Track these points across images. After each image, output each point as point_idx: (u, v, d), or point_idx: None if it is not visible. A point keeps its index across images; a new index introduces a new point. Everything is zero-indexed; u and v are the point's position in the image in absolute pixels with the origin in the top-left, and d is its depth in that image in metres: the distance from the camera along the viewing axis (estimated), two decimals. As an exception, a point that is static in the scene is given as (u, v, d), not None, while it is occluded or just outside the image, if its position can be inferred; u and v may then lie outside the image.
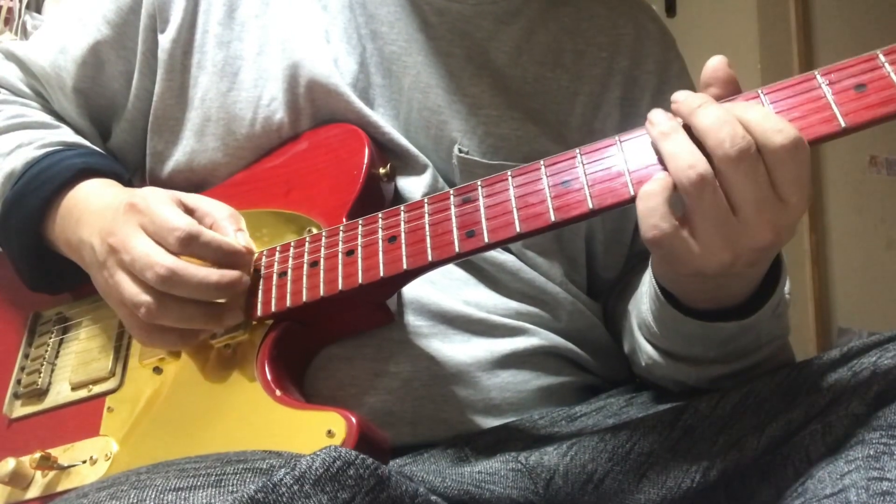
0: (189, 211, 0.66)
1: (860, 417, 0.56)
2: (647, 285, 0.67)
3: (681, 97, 0.55)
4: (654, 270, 0.63)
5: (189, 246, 0.62)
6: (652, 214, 0.53)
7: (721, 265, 0.53)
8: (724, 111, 0.52)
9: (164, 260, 0.61)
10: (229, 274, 0.63)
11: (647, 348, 0.69)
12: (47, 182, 0.72)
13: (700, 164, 0.51)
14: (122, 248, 0.63)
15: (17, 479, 0.68)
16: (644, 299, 0.67)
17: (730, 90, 0.56)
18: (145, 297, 0.62)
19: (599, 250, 0.79)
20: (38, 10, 1.60)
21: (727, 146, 0.50)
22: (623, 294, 0.79)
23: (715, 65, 0.56)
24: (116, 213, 0.65)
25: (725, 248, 0.53)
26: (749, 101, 0.54)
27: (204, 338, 0.66)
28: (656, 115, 0.55)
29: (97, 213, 0.68)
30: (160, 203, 0.64)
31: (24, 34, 1.55)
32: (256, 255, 0.69)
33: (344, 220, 0.67)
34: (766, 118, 0.51)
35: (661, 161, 0.54)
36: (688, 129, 0.54)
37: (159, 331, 0.64)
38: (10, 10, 1.57)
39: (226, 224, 0.66)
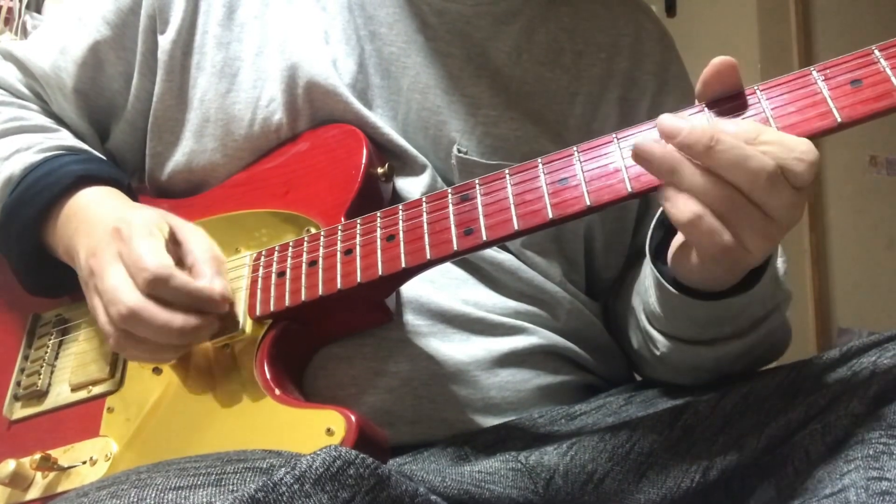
0: (177, 243, 0.66)
1: (860, 417, 0.56)
2: (650, 277, 0.66)
3: (689, 136, 0.52)
4: (680, 264, 0.61)
5: (156, 288, 0.61)
6: (710, 233, 0.53)
7: (764, 255, 0.56)
8: (738, 145, 0.51)
9: (127, 299, 0.60)
10: (193, 321, 0.62)
11: (660, 338, 0.68)
12: (46, 189, 0.72)
13: (732, 199, 0.51)
14: (98, 273, 0.63)
15: (18, 481, 0.68)
16: (650, 290, 0.67)
17: (730, 92, 0.56)
18: (110, 329, 0.62)
19: (599, 250, 0.79)
20: (38, 10, 1.60)
21: (763, 180, 0.50)
22: (621, 292, 0.79)
23: (721, 69, 0.55)
24: (104, 234, 0.65)
25: (768, 243, 0.54)
26: (755, 125, 0.53)
27: (201, 341, 0.66)
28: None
29: (92, 224, 0.68)
30: (142, 235, 0.63)
31: (24, 34, 1.54)
32: (255, 254, 0.69)
33: (342, 219, 0.67)
34: (784, 146, 0.51)
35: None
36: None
37: (133, 350, 0.64)
38: (10, 10, 1.57)
39: (204, 267, 0.65)
